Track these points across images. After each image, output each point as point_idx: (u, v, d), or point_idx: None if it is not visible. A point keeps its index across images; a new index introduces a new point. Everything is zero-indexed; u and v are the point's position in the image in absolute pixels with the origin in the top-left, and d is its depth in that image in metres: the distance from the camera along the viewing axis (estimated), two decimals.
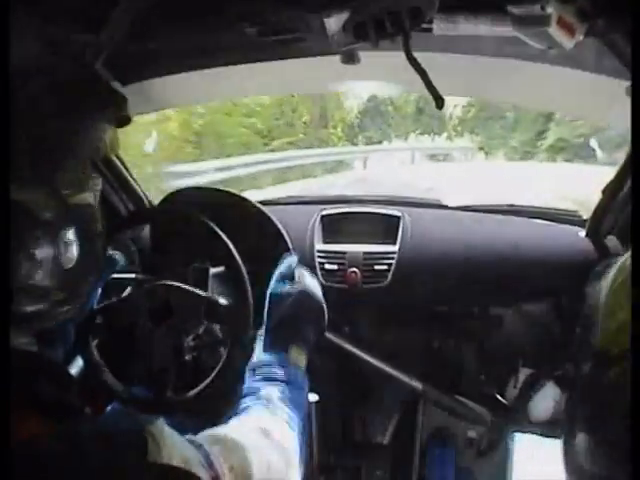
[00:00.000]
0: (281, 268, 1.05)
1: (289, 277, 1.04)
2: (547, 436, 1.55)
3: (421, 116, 15.37)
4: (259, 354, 0.96)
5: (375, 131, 14.53)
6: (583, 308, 0.59)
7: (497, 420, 1.64)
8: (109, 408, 1.16)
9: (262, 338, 0.98)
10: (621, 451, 0.51)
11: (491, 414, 1.64)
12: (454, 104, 14.64)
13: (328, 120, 13.02)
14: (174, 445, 0.60)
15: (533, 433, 1.59)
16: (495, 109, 13.50)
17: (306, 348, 1.00)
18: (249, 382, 0.93)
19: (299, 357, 0.98)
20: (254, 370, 0.94)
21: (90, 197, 0.64)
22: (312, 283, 1.04)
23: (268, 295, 1.02)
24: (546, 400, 1.57)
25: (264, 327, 0.99)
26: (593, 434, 0.56)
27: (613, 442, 0.53)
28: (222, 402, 1.12)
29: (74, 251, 0.61)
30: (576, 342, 0.64)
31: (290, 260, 1.07)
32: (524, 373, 1.63)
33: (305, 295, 1.02)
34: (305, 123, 12.03)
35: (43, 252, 0.57)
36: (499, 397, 1.65)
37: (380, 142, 14.00)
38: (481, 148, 14.23)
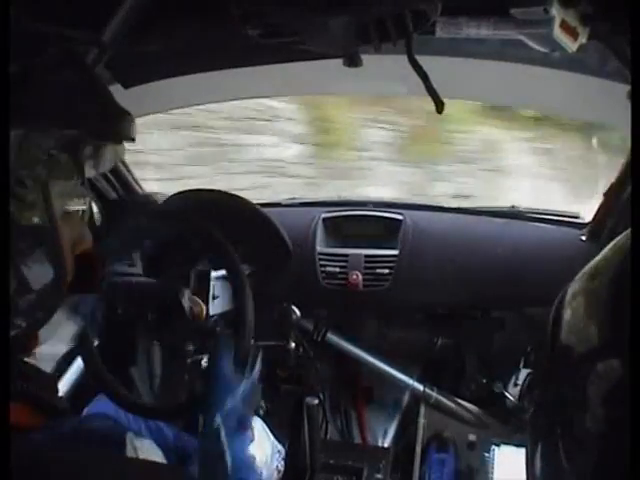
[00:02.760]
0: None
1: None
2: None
3: None
4: None
5: None
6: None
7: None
8: (92, 405, 1.16)
9: None
10: (574, 467, 0.45)
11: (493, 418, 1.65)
12: None
13: None
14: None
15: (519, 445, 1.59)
16: None
17: None
18: None
19: None
20: None
21: (80, 207, 0.65)
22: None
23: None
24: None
25: None
26: (550, 445, 0.50)
27: (568, 456, 0.46)
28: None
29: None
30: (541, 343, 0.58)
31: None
32: (524, 372, 1.63)
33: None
34: None
35: (32, 258, 0.57)
36: (507, 394, 1.64)
37: None
38: None
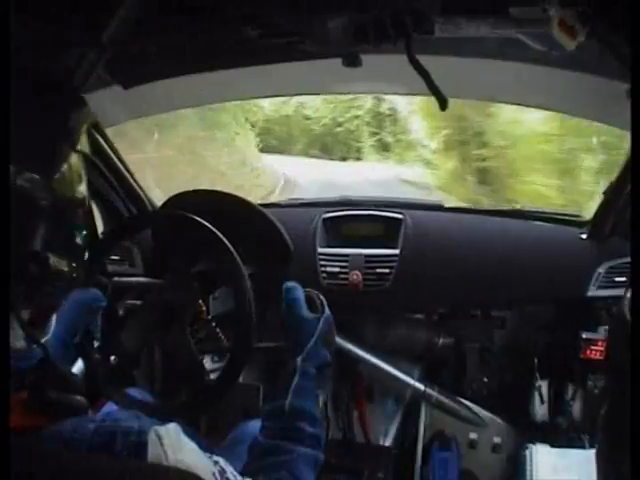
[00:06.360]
0: (295, 294, 1.04)
1: (308, 303, 1.04)
2: (570, 446, 1.57)
3: None
4: (291, 399, 0.90)
5: None
6: (613, 321, 0.57)
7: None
8: (106, 408, 1.16)
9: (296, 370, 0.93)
10: None
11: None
12: None
13: None
14: (184, 451, 0.60)
15: (554, 445, 1.59)
16: None
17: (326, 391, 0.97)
18: (271, 429, 0.88)
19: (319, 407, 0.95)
20: (278, 417, 0.89)
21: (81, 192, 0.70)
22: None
23: (295, 321, 1.01)
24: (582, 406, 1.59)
25: (298, 363, 0.94)
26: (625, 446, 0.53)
27: None
28: (219, 414, 1.10)
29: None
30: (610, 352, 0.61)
31: (292, 285, 1.06)
32: (545, 385, 1.64)
33: (330, 324, 1.01)
34: None
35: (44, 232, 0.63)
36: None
37: None
38: None
